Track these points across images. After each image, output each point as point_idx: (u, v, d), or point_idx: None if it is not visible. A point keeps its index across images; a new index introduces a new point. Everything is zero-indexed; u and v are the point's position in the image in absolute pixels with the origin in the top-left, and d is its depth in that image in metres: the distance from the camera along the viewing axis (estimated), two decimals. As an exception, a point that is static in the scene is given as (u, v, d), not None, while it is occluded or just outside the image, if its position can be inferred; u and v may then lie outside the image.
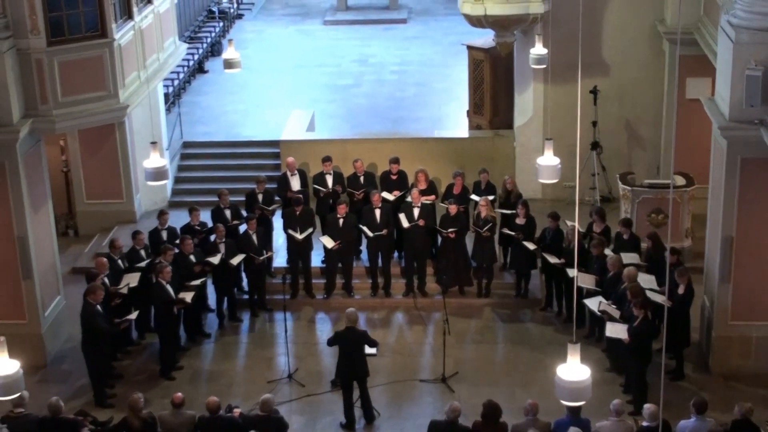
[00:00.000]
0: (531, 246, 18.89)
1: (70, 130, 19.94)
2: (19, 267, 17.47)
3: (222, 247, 18.76)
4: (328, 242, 19.24)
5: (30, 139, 17.34)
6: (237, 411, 14.72)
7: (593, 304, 17.14)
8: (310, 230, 19.51)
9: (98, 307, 16.52)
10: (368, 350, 16.20)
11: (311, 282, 19.90)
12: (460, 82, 26.68)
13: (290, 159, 20.92)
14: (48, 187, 18.33)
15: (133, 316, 17.49)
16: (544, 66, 19.95)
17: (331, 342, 16.32)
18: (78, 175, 22.45)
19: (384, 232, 19.32)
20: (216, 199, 20.24)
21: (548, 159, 15.17)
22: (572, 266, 16.96)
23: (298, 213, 19.46)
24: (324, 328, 19.16)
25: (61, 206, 22.50)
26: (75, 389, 17.38)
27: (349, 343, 15.99)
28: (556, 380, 9.99)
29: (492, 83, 23.57)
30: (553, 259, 18.39)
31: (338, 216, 19.32)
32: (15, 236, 17.31)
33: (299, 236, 19.29)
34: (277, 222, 20.70)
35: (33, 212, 17.58)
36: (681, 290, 16.56)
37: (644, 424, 13.75)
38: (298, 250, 19.62)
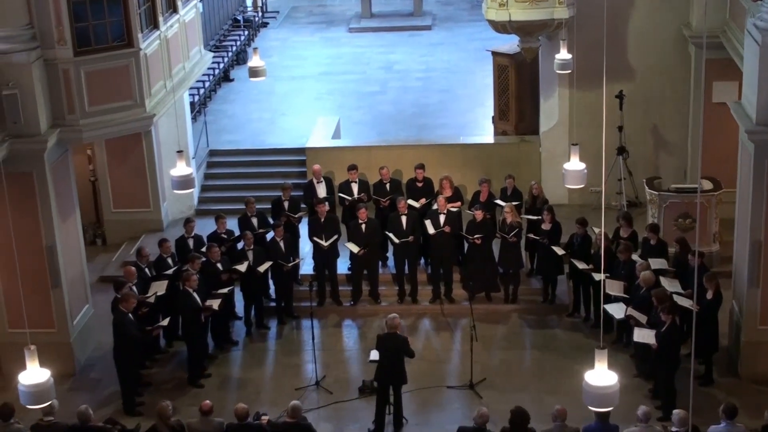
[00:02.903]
0: (560, 251, 18.87)
1: (97, 139, 20.04)
2: (48, 276, 17.56)
3: (250, 255, 18.81)
4: (354, 247, 19.27)
5: (57, 149, 17.45)
6: (265, 418, 14.74)
7: (615, 309, 17.07)
8: (336, 237, 19.54)
9: (130, 315, 16.62)
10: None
11: (338, 289, 19.93)
12: (485, 88, 26.65)
13: (316, 166, 20.97)
14: (75, 196, 18.44)
15: (165, 322, 17.54)
16: (569, 71, 19.90)
17: (376, 346, 16.28)
18: (105, 184, 22.58)
19: (410, 238, 19.34)
20: (242, 206, 20.31)
21: (574, 164, 15.15)
22: (599, 272, 16.92)
23: (322, 220, 19.49)
24: (351, 335, 19.19)
25: (88, 215, 22.63)
26: (104, 397, 17.47)
27: (388, 349, 15.97)
28: (584, 386, 9.96)
29: (517, 89, 23.55)
30: (581, 265, 18.35)
31: (360, 221, 19.36)
32: (44, 245, 17.40)
33: (325, 244, 19.32)
34: (304, 229, 20.72)
35: (61, 221, 17.69)
36: (709, 295, 16.47)
37: (673, 429, 13.70)
38: (324, 258, 19.66)
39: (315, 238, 19.49)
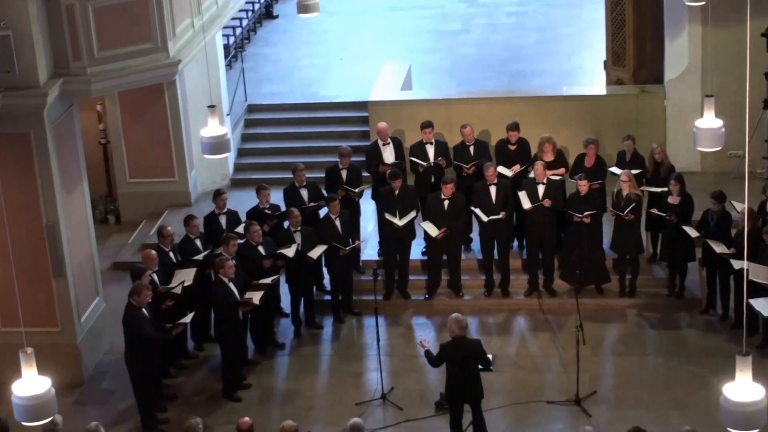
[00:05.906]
0: (692, 232, 18.68)
1: (109, 92, 20.22)
2: (49, 262, 17.75)
3: (298, 237, 18.85)
4: (432, 229, 19.23)
5: (60, 104, 17.60)
6: (318, 440, 14.85)
7: (761, 305, 16.90)
8: (413, 214, 19.50)
9: (144, 310, 16.73)
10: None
11: (407, 279, 19.95)
12: (594, 26, 26.59)
13: (382, 125, 20.94)
14: (83, 163, 18.61)
15: (188, 318, 17.63)
16: (703, 3, 19.69)
17: (435, 360, 16.05)
18: (119, 148, 22.79)
19: (501, 215, 19.27)
20: (289, 175, 20.35)
21: (709, 121, 14.99)
22: (742, 257, 16.76)
23: (396, 192, 19.45)
24: (425, 336, 19.10)
25: (99, 187, 22.87)
26: (118, 412, 17.67)
27: (458, 357, 15.91)
28: (722, 401, 9.90)
29: (636, 26, 23.39)
30: (719, 249, 18.17)
31: (443, 197, 19.30)
32: (44, 224, 17.59)
33: (399, 222, 19.29)
34: (366, 204, 20.73)
35: (65, 194, 17.85)
36: None
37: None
38: (397, 240, 19.65)
39: (387, 215, 19.47)
